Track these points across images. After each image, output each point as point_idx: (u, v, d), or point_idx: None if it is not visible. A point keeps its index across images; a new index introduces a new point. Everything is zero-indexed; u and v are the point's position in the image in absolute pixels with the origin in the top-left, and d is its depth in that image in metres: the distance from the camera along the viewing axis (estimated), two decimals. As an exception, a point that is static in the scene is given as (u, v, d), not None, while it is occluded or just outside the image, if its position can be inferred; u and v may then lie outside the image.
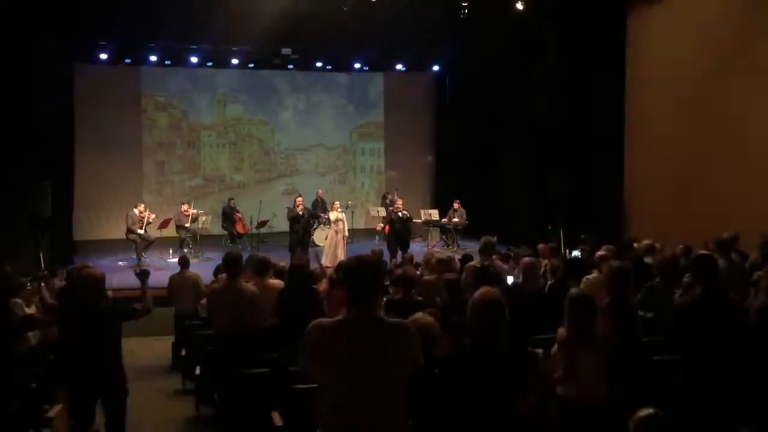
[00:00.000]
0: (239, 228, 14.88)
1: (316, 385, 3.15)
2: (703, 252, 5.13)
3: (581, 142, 12.93)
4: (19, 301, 6.25)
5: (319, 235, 14.94)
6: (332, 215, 12.98)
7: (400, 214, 12.39)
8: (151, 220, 13.31)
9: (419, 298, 5.90)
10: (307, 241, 13.19)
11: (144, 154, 16.69)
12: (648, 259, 7.33)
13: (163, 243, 13.74)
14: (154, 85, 16.73)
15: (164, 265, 12.70)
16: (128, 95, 16.37)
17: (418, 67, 17.70)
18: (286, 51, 15.58)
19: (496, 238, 7.89)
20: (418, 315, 4.51)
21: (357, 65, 17.04)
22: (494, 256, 7.35)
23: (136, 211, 13.11)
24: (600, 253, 7.13)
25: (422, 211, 15.35)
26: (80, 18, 12.31)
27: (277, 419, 4.41)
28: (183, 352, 7.54)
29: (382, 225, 14.37)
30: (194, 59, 15.48)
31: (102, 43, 14.56)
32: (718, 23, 10.46)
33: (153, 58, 15.31)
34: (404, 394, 2.98)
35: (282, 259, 8.81)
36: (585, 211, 12.35)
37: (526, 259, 6.71)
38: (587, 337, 4.04)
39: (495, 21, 13.44)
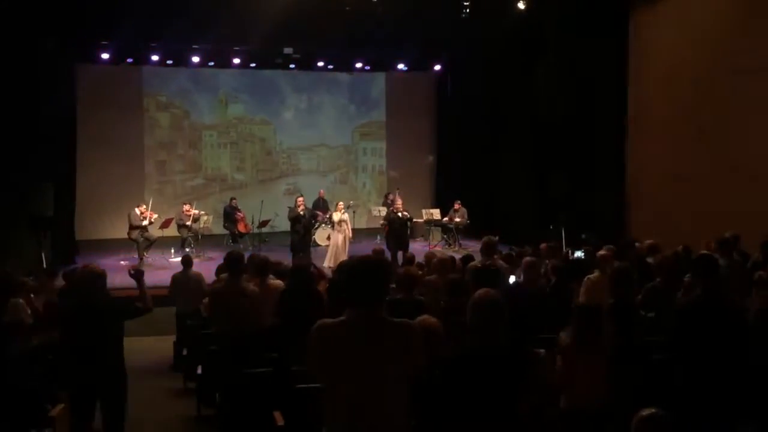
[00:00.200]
0: (241, 228, 14.89)
1: (318, 386, 3.15)
2: (704, 252, 5.14)
3: (582, 141, 12.93)
4: (21, 301, 6.25)
5: (321, 235, 14.94)
6: (336, 216, 12.96)
7: (399, 214, 12.37)
8: (153, 219, 13.33)
9: (421, 298, 5.90)
10: (308, 241, 13.18)
11: (145, 154, 16.69)
12: (650, 259, 7.33)
13: (164, 243, 13.76)
14: (156, 85, 16.74)
15: (166, 265, 12.73)
16: (130, 95, 16.37)
17: (420, 67, 17.67)
18: (287, 51, 15.58)
19: (497, 237, 7.89)
20: (424, 317, 4.52)
21: (359, 65, 17.02)
22: (495, 256, 7.34)
23: (137, 210, 13.14)
24: (601, 252, 7.12)
25: (423, 211, 15.36)
26: (82, 18, 12.33)
27: (278, 419, 4.42)
28: (184, 352, 7.55)
29: (383, 222, 14.35)
30: (196, 59, 15.47)
31: (104, 42, 14.56)
32: (719, 23, 10.45)
33: (155, 58, 15.31)
34: (407, 394, 2.99)
35: (284, 259, 8.80)
36: (586, 210, 12.35)
37: (527, 258, 6.72)
38: (591, 344, 4.05)
39: (496, 21, 13.44)
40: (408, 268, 6.84)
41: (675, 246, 7.88)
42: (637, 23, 12.26)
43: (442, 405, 3.14)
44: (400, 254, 11.53)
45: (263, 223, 14.62)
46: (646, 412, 2.90)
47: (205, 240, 14.38)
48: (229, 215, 14.94)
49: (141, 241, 12.99)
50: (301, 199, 12.86)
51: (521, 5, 12.27)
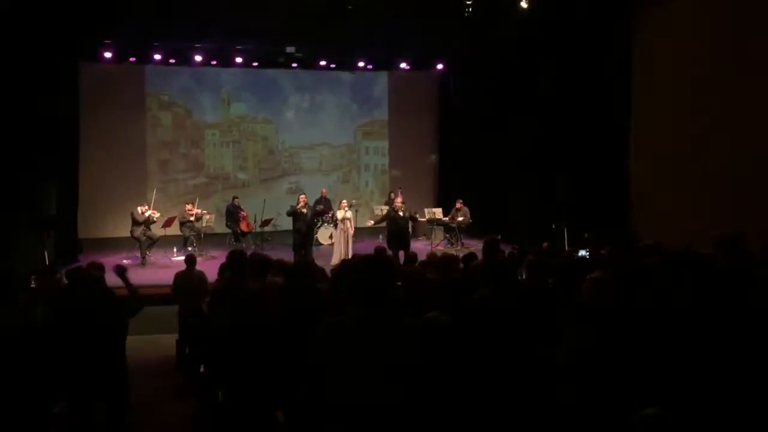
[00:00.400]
0: (243, 226, 14.91)
1: (320, 384, 3.16)
2: (705, 252, 5.13)
3: (585, 141, 12.92)
4: (23, 299, 6.25)
5: (323, 234, 14.95)
6: (339, 214, 12.97)
7: (400, 213, 12.35)
8: (155, 218, 13.36)
9: (422, 296, 5.89)
10: (311, 239, 13.19)
11: (148, 153, 16.73)
12: (652, 259, 7.32)
13: (167, 241, 13.79)
14: (159, 84, 16.77)
15: (168, 264, 12.75)
16: (132, 94, 16.41)
17: (422, 66, 17.68)
18: (290, 49, 15.58)
19: (499, 236, 7.89)
20: (432, 314, 4.53)
21: (361, 64, 17.01)
22: (498, 256, 7.32)
23: (139, 210, 13.17)
24: (604, 252, 7.11)
25: (426, 210, 15.36)
26: (85, 17, 12.34)
27: (281, 418, 4.42)
28: (187, 350, 7.56)
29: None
30: (198, 58, 15.49)
31: (106, 41, 14.60)
32: (719, 23, 10.43)
33: (157, 57, 15.33)
34: (411, 394, 2.99)
35: (286, 258, 8.80)
36: (589, 210, 12.34)
37: (530, 257, 6.71)
38: None
39: (499, 20, 13.42)
40: (410, 267, 6.85)
41: (676, 246, 7.86)
42: (640, 23, 12.23)
43: (445, 402, 3.14)
44: (401, 254, 11.48)
45: (265, 222, 14.64)
46: (646, 411, 2.90)
47: (207, 239, 14.41)
48: (232, 214, 14.97)
49: (143, 240, 13.03)
50: (303, 197, 12.88)
51: (524, 4, 12.24)
